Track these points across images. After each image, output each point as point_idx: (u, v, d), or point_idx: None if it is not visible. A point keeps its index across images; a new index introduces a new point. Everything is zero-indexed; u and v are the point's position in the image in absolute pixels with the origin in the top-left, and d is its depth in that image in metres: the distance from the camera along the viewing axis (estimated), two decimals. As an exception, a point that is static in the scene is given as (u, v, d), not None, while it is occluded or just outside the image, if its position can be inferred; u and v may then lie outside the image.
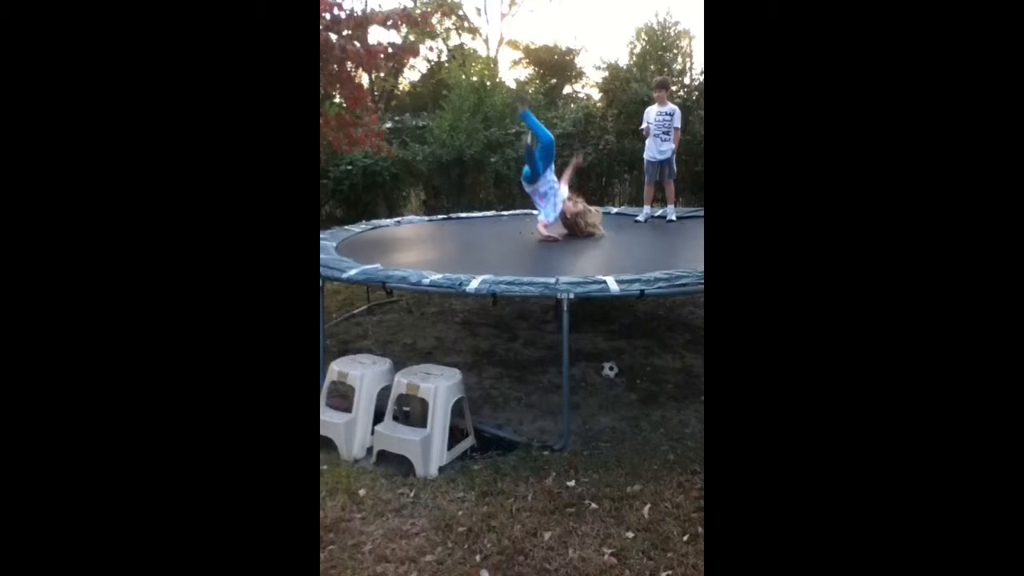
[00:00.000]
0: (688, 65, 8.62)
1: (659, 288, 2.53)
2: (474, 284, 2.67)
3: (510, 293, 2.63)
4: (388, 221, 5.51)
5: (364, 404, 2.77)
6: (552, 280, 2.62)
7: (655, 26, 8.35)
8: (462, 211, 6.84)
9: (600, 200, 7.27)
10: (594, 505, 2.20)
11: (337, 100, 6.39)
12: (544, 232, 4.22)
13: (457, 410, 2.68)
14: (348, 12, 5.18)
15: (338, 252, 3.64)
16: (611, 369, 3.42)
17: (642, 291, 2.53)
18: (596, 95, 10.69)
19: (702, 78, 8.05)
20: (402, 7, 6.74)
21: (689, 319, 4.50)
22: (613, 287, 2.53)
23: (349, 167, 8.37)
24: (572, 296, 2.51)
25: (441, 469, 2.55)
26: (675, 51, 8.37)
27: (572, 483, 2.35)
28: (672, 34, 8.32)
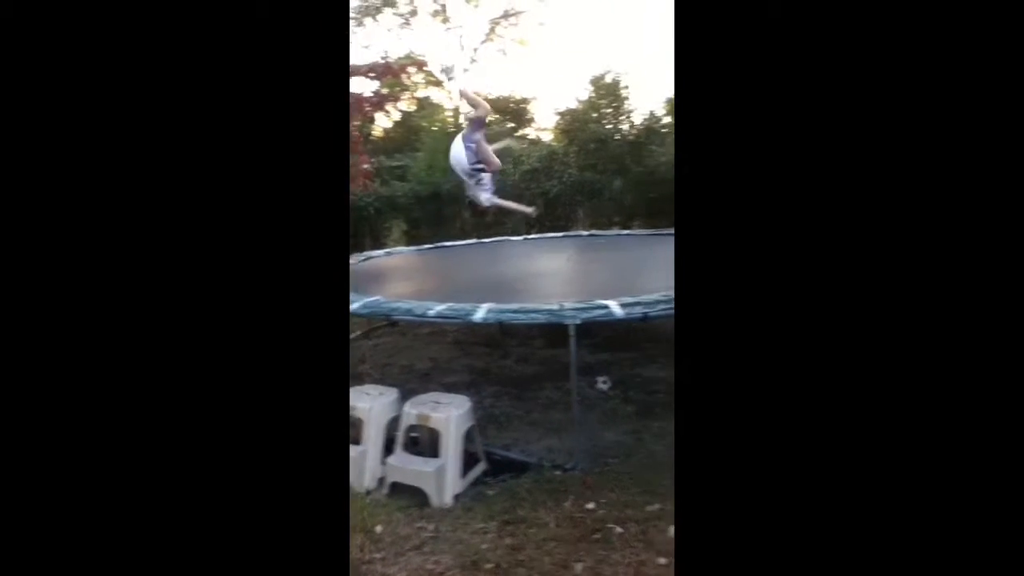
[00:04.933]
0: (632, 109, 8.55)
1: (662, 310, 2.28)
2: (480, 313, 2.37)
3: (517, 321, 2.34)
4: (379, 252, 5.17)
5: (373, 436, 2.42)
6: (556, 307, 2.34)
7: (608, 80, 8.27)
8: (442, 239, 6.57)
9: (565, 226, 7.16)
10: (619, 529, 1.91)
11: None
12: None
13: (468, 437, 2.37)
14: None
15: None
16: (604, 383, 3.16)
17: (645, 314, 2.28)
18: (547, 137, 10.68)
19: (648, 116, 8.05)
20: (384, 60, 6.48)
21: (662, 330, 4.27)
22: (617, 311, 2.27)
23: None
24: (579, 322, 2.24)
25: (456, 497, 2.23)
26: (623, 96, 8.31)
27: (591, 505, 2.05)
28: (622, 84, 8.27)
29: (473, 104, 3.85)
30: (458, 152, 3.69)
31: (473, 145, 3.64)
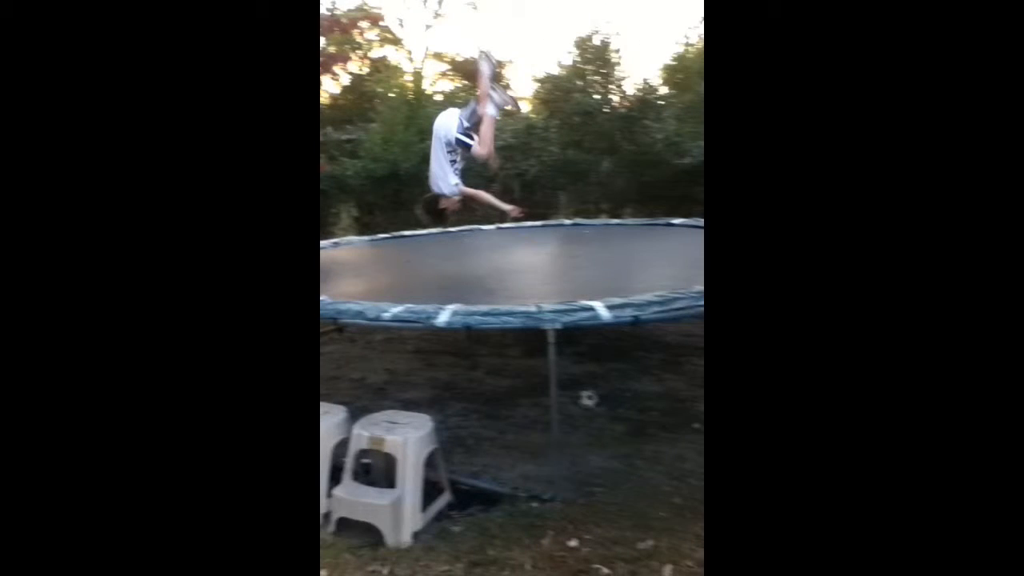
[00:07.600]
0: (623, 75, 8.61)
1: (655, 313, 2.31)
2: (444, 317, 2.36)
3: (487, 326, 2.34)
4: (325, 243, 5.08)
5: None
6: (534, 309, 2.34)
7: (598, 43, 8.29)
8: (399, 228, 6.53)
9: (544, 214, 7.19)
10: (606, 570, 1.93)
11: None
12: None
13: (430, 463, 2.37)
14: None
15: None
16: (589, 398, 3.20)
17: (636, 317, 2.30)
18: (523, 107, 10.69)
19: (643, 84, 8.13)
20: (330, 12, 6.36)
21: (659, 336, 4.34)
22: (604, 314, 2.28)
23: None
24: (560, 326, 2.25)
25: (416, 535, 2.22)
26: (614, 61, 8.36)
27: (574, 543, 2.07)
28: (612, 47, 8.32)
29: (491, 81, 3.64)
30: (448, 118, 3.63)
31: (475, 117, 3.54)
